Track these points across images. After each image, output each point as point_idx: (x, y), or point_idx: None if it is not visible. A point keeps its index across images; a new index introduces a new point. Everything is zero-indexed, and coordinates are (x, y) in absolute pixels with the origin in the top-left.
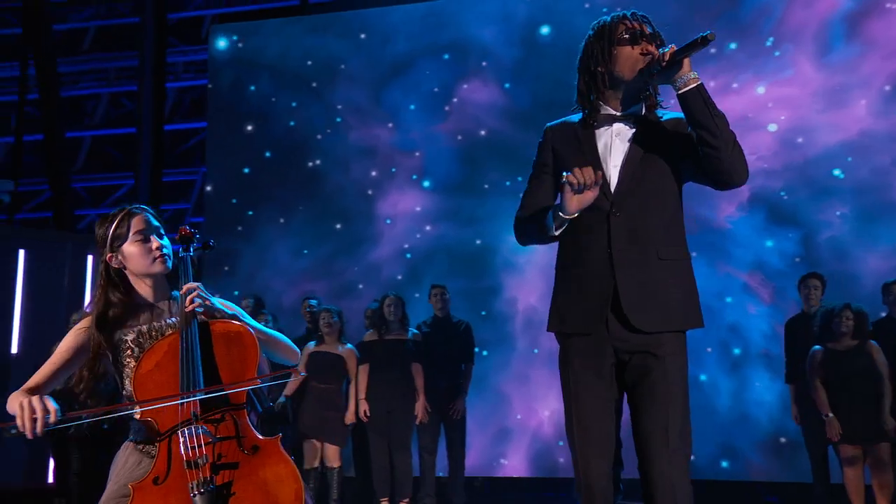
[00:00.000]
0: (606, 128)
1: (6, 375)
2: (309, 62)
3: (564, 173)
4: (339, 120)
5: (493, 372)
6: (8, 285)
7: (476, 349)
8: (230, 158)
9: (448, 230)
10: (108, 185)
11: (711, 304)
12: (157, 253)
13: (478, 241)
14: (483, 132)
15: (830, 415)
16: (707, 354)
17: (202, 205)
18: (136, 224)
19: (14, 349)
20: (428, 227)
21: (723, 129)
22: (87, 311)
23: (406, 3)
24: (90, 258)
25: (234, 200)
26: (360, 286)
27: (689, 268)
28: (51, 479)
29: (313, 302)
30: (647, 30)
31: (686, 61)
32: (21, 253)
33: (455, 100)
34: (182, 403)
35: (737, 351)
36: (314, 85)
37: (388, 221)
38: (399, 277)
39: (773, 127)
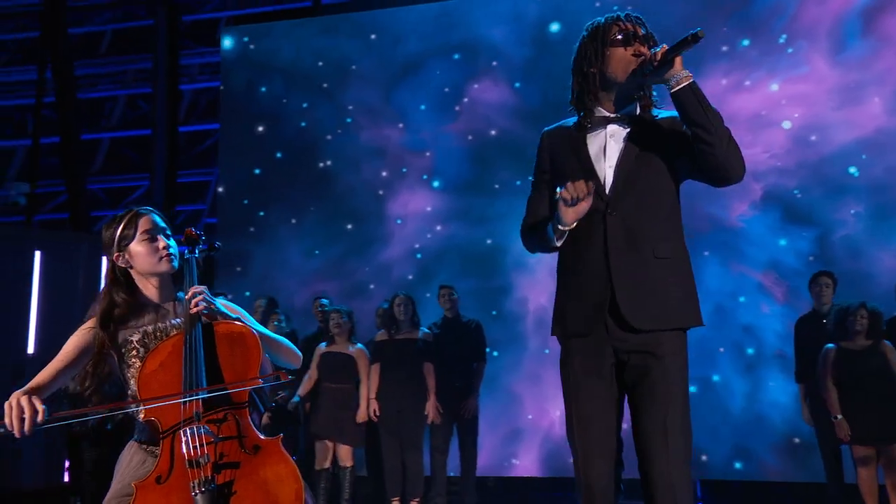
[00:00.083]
0: (601, 130)
1: (23, 375)
2: (320, 63)
3: (558, 189)
4: (349, 120)
5: (505, 372)
6: (24, 286)
7: (487, 349)
8: (242, 159)
9: (458, 230)
10: (126, 186)
11: (725, 304)
12: (164, 252)
13: (488, 241)
14: (493, 132)
15: (840, 416)
16: (720, 355)
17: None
18: (143, 224)
19: (30, 349)
20: (438, 227)
21: (717, 125)
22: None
23: (417, 3)
24: (105, 259)
25: (245, 201)
26: (371, 286)
27: (688, 266)
28: (66, 478)
29: (325, 301)
30: (641, 31)
31: (678, 60)
32: (37, 254)
33: (465, 100)
34: (185, 403)
35: (750, 351)
36: (325, 86)
37: (399, 221)
38: (410, 277)
39: (787, 124)
